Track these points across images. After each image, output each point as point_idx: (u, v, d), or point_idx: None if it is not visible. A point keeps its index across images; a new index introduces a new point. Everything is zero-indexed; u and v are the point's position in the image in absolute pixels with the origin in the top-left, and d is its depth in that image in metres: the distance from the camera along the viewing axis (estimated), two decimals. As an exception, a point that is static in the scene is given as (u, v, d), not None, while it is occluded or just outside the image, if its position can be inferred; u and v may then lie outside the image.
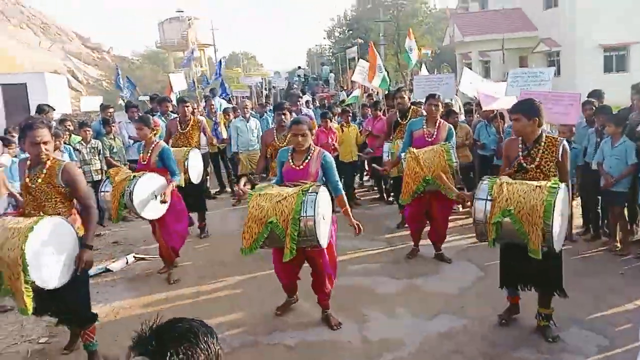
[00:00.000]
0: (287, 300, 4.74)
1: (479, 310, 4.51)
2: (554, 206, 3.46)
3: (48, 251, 3.42)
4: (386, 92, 10.12)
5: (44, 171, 3.66)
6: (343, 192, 4.43)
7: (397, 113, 6.98)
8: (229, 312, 4.78)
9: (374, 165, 6.60)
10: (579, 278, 5.05)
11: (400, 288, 5.15)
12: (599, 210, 6.26)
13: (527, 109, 3.82)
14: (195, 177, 6.68)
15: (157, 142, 5.61)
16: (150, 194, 5.22)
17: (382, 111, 8.89)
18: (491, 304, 4.49)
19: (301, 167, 4.25)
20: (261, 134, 8.87)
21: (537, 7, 25.62)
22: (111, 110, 9.64)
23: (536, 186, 3.62)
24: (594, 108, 6.35)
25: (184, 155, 6.52)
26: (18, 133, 3.84)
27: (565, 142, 3.86)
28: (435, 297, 4.90)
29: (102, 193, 5.33)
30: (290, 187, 4.11)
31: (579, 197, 6.57)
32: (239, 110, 10.11)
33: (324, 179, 4.32)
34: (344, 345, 4.09)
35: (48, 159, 3.67)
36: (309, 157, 4.27)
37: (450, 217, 6.16)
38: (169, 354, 1.15)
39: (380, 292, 5.08)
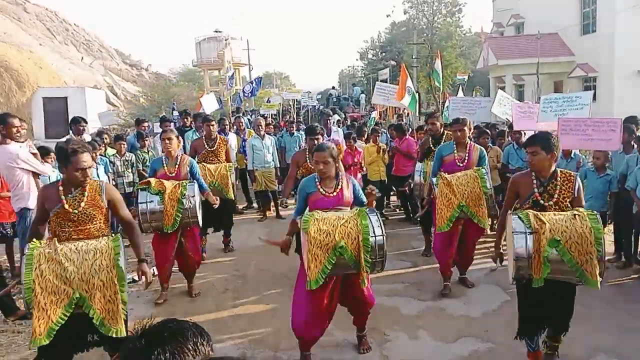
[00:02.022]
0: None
1: (504, 334, 4.39)
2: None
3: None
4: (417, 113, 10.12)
5: (86, 194, 3.58)
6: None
7: (430, 139, 6.67)
8: (251, 327, 4.80)
9: (400, 188, 6.53)
10: (608, 306, 4.90)
11: (423, 309, 5.08)
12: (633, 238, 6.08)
13: (545, 142, 3.60)
14: (233, 192, 6.91)
15: (183, 155, 5.67)
16: (199, 202, 5.38)
17: (409, 132, 8.91)
18: (516, 328, 4.37)
19: (334, 194, 4.01)
20: (276, 152, 9.18)
21: (574, 32, 25.32)
22: (146, 124, 9.91)
23: (573, 215, 3.41)
24: (633, 134, 6.20)
25: (227, 170, 6.71)
26: (58, 156, 3.58)
27: (579, 179, 3.70)
28: (459, 320, 4.81)
29: (145, 204, 5.12)
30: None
31: (612, 224, 6.40)
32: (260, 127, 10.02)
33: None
34: (364, 364, 4.05)
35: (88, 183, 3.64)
36: (339, 184, 4.04)
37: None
38: (155, 353, 1.17)
39: (403, 312, 5.02)
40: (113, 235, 3.64)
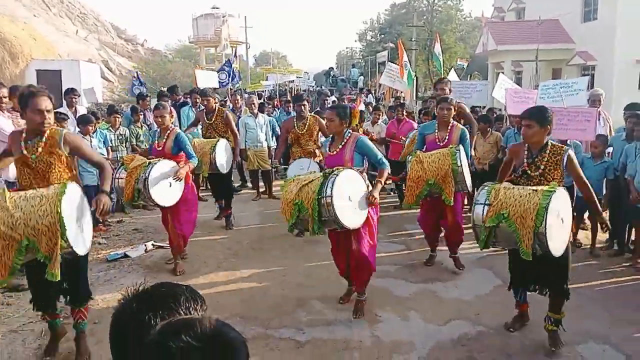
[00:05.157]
0: (348, 289, 4.83)
1: (495, 318, 4.42)
2: (547, 210, 3.45)
3: (73, 216, 3.42)
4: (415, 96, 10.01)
5: (44, 140, 3.55)
6: (384, 167, 4.46)
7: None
8: (243, 304, 4.80)
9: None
10: (598, 293, 4.93)
11: (414, 291, 5.09)
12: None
13: (541, 116, 3.77)
14: (224, 167, 6.87)
15: (173, 129, 5.63)
16: (165, 181, 5.25)
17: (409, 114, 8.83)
18: (508, 312, 4.39)
19: (335, 152, 4.43)
20: (269, 130, 9.28)
21: (575, 19, 25.10)
22: (147, 98, 9.89)
23: (533, 190, 3.63)
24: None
25: (211, 147, 6.71)
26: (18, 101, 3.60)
27: (570, 152, 3.79)
28: (450, 302, 4.82)
29: (117, 180, 5.32)
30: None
31: (607, 212, 6.38)
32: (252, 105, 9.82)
33: (365, 162, 4.50)
34: (355, 344, 4.05)
35: (48, 129, 3.59)
36: (343, 143, 4.41)
37: (469, 225, 6.03)
38: (146, 318, 1.13)
39: (395, 294, 5.02)
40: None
